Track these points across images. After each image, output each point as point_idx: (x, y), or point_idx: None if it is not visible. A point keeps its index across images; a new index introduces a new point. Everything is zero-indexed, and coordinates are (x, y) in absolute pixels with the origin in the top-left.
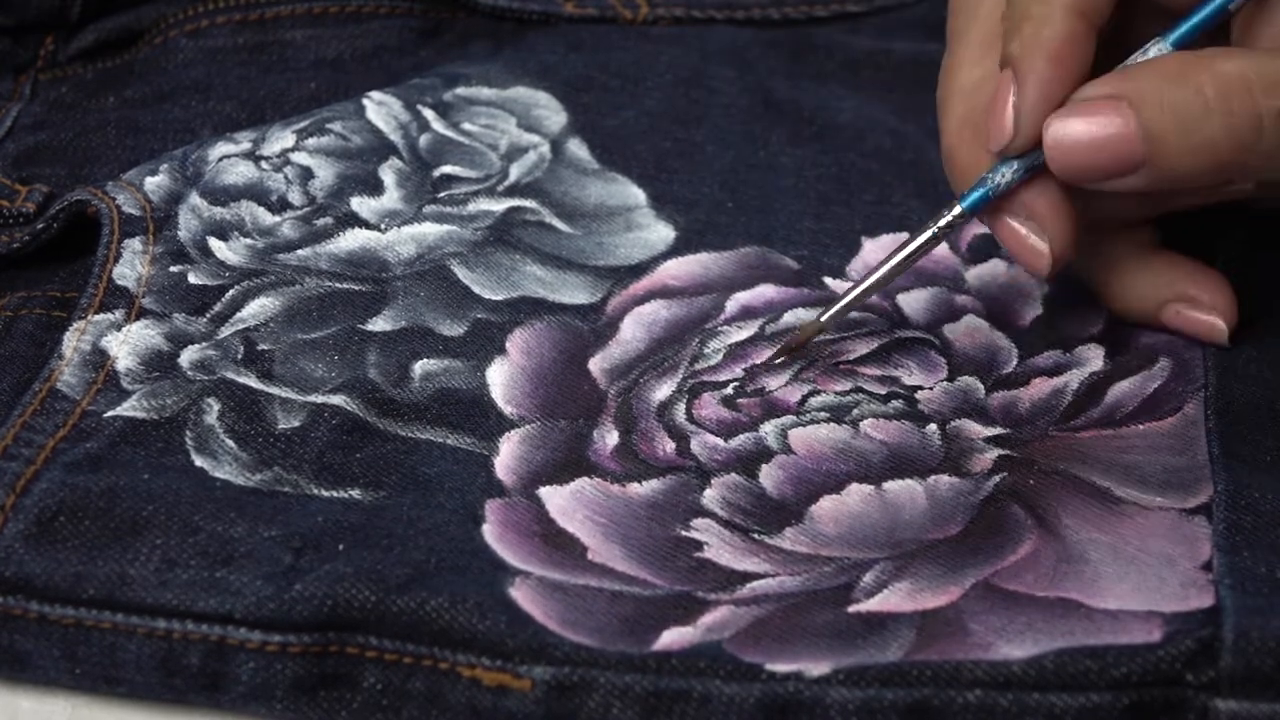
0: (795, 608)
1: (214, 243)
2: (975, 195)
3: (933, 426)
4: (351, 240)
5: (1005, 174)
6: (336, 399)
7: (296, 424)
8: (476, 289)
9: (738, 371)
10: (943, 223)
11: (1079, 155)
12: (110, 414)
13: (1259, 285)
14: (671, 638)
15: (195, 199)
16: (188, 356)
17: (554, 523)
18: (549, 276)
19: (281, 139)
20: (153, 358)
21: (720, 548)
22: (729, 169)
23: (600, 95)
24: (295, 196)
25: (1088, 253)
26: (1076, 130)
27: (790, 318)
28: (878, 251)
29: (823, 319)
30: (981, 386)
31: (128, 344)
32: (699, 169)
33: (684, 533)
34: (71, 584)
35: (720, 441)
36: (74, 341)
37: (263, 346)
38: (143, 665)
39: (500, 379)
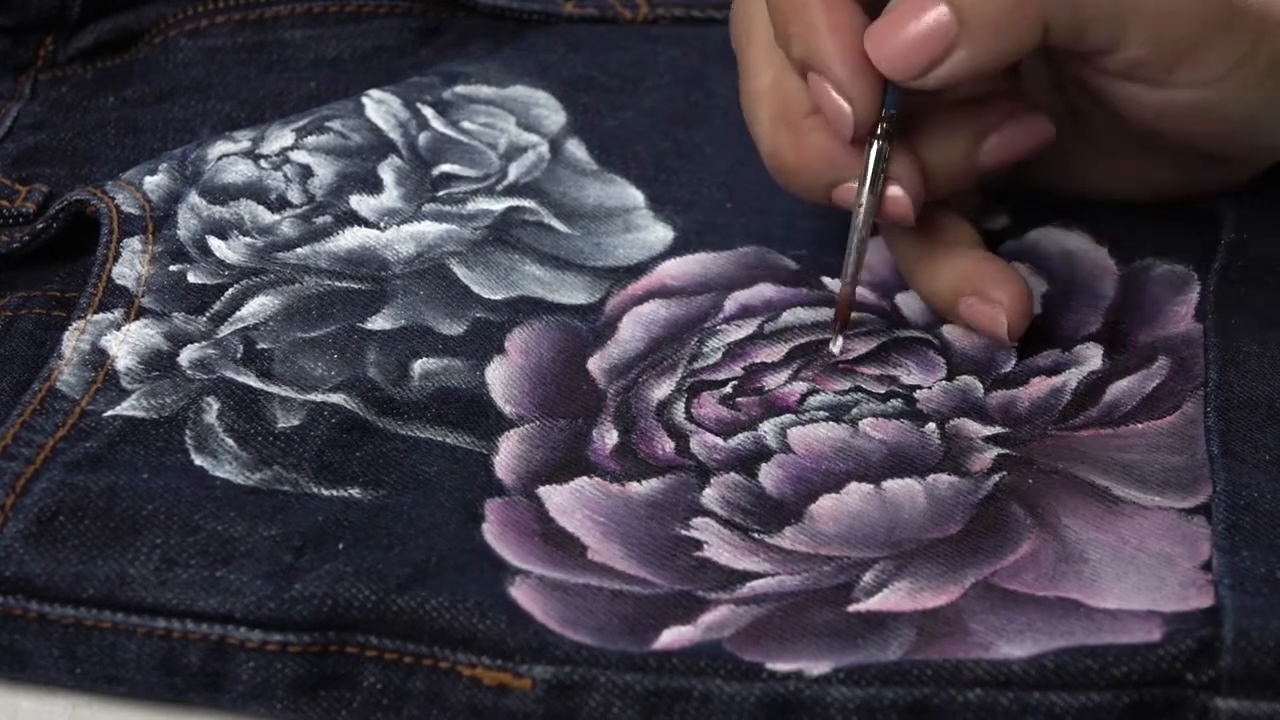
0: (795, 607)
1: (213, 241)
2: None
3: (932, 426)
4: (351, 239)
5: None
6: (336, 398)
7: (296, 423)
8: (476, 288)
9: (737, 370)
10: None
11: (902, 47)
12: (110, 413)
13: (1258, 282)
14: (672, 637)
15: (194, 198)
16: (187, 355)
17: (554, 522)
18: (548, 276)
19: (281, 137)
20: (152, 357)
21: (720, 547)
22: (728, 169)
23: (599, 95)
24: (294, 195)
25: (909, 242)
26: (896, 32)
27: (789, 317)
28: (877, 250)
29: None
30: (980, 386)
31: (127, 343)
32: (698, 170)
33: (684, 532)
34: (71, 583)
35: (719, 440)
36: (73, 341)
37: (262, 345)
38: (143, 665)
39: (499, 378)
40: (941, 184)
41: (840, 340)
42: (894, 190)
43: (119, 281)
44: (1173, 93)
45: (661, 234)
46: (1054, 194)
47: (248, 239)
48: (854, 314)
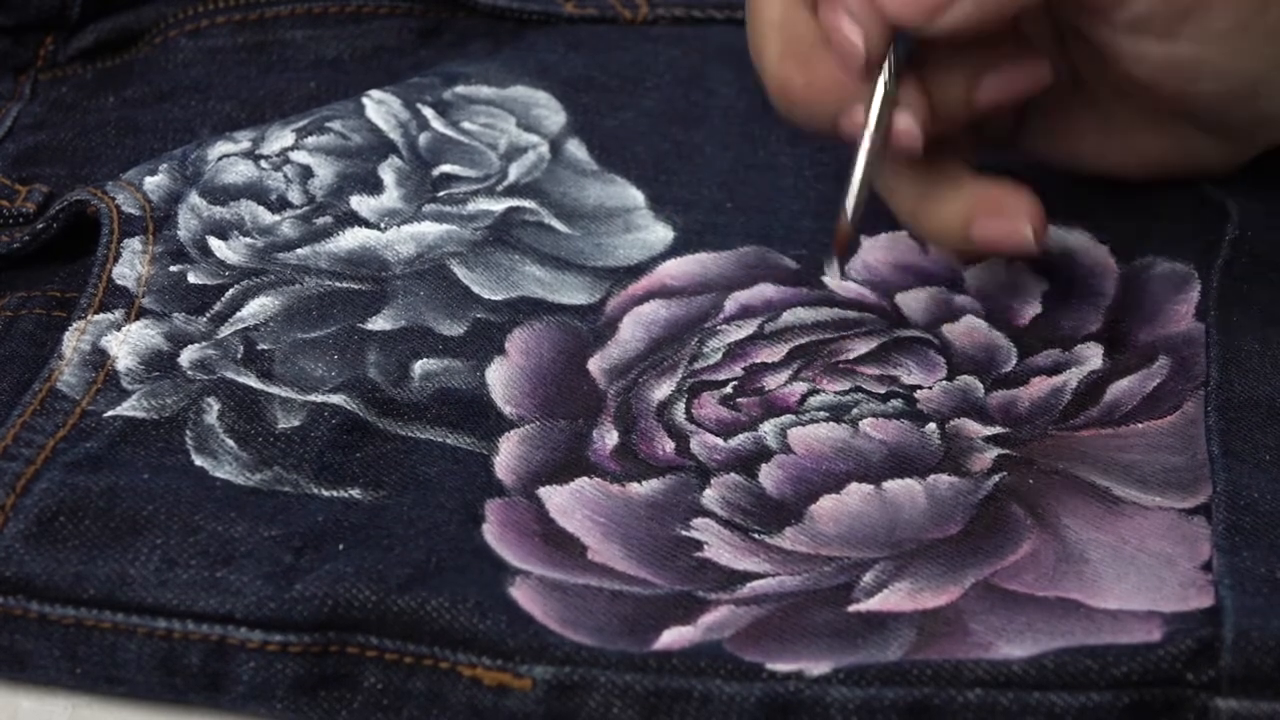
0: (795, 607)
1: (214, 242)
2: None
3: (932, 426)
4: (351, 239)
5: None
6: (336, 398)
7: (296, 423)
8: (476, 289)
9: (737, 370)
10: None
11: None
12: (110, 414)
13: (1262, 279)
14: (672, 637)
15: (195, 198)
16: (188, 356)
17: (554, 522)
18: (548, 277)
19: (281, 138)
20: (153, 357)
21: (720, 547)
22: (728, 169)
23: (599, 95)
24: (295, 195)
25: (910, 183)
26: None
27: (790, 317)
28: (877, 250)
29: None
30: (981, 386)
31: (127, 344)
32: (698, 170)
33: (684, 532)
34: (72, 584)
35: (719, 441)
36: (74, 341)
37: (262, 346)
38: (143, 665)
39: (500, 379)
40: (939, 120)
41: (838, 271)
42: (904, 121)
43: (119, 282)
44: (1178, 47)
45: (661, 234)
46: (1053, 190)
47: (248, 239)
48: (854, 314)
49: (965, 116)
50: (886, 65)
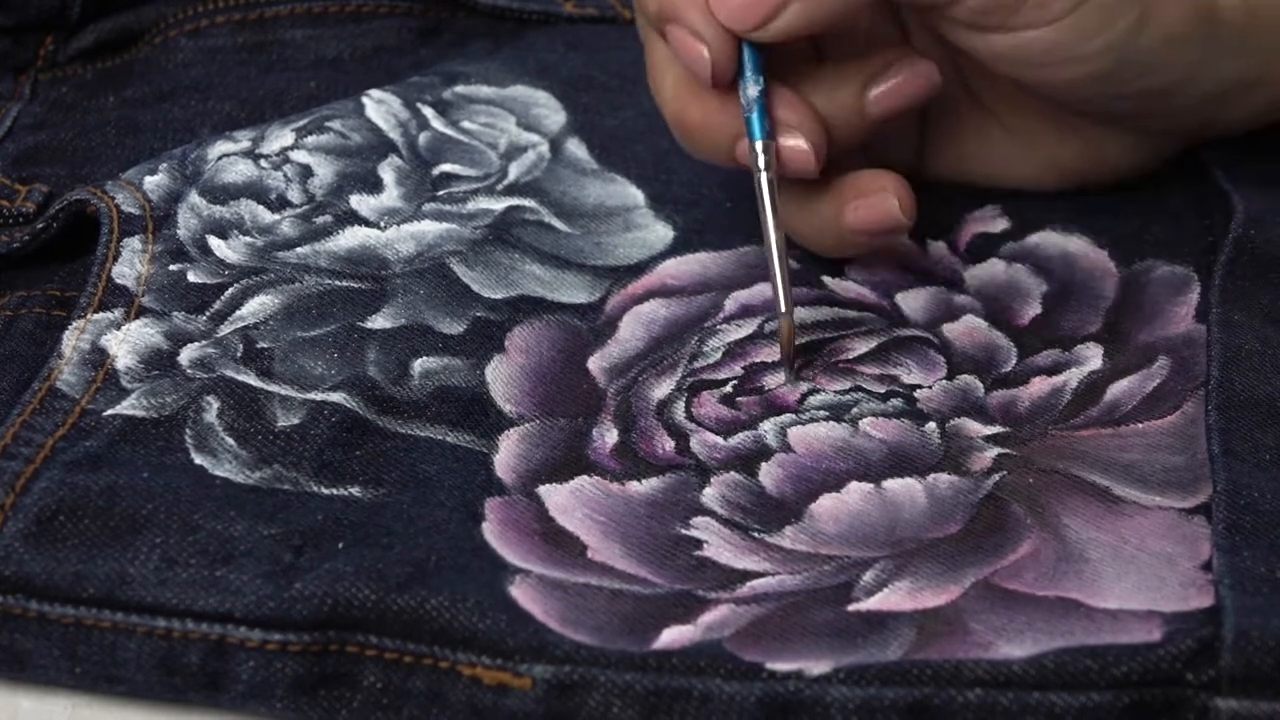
0: (795, 606)
1: (213, 241)
2: (755, 120)
3: (932, 425)
4: (351, 238)
5: (750, 89)
6: (336, 396)
7: (296, 422)
8: (476, 287)
9: (737, 370)
10: (761, 162)
11: (739, 2)
12: (110, 412)
13: (1263, 278)
14: (672, 636)
15: (194, 197)
16: (187, 355)
17: (554, 521)
18: (548, 276)
19: (281, 137)
20: (152, 356)
21: (720, 546)
22: (728, 169)
23: (599, 95)
24: (295, 194)
25: (796, 203)
26: None
27: None
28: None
29: (779, 317)
30: (981, 385)
31: (127, 342)
32: (698, 169)
33: (684, 531)
34: (71, 583)
35: (719, 440)
36: (73, 340)
37: (262, 344)
38: (143, 664)
39: (499, 377)
40: (835, 138)
41: (791, 373)
42: (793, 141)
43: (119, 281)
44: (1024, 36)
45: (662, 233)
46: (1043, 194)
47: (248, 238)
48: (854, 314)
49: (861, 130)
50: (767, 183)
